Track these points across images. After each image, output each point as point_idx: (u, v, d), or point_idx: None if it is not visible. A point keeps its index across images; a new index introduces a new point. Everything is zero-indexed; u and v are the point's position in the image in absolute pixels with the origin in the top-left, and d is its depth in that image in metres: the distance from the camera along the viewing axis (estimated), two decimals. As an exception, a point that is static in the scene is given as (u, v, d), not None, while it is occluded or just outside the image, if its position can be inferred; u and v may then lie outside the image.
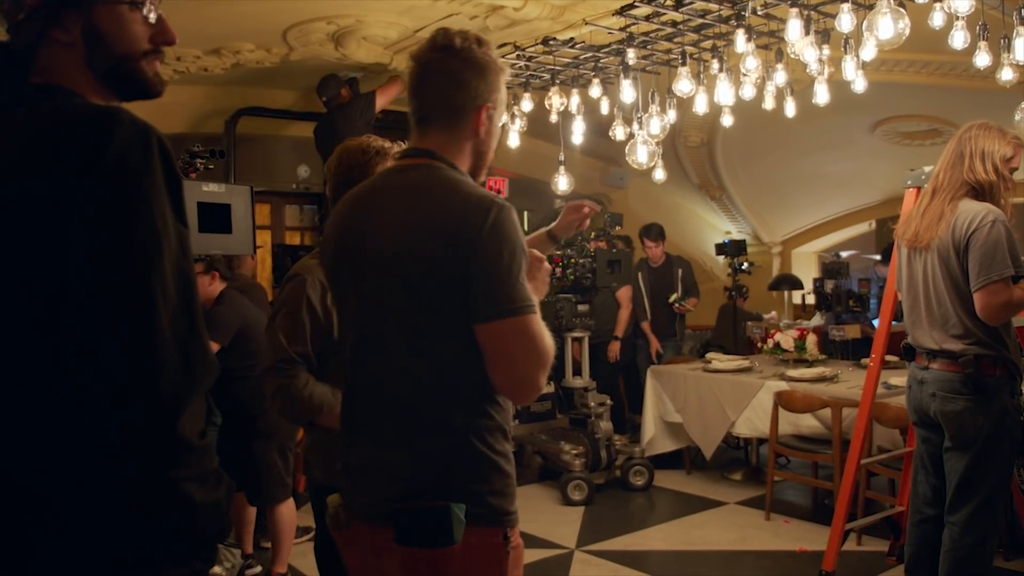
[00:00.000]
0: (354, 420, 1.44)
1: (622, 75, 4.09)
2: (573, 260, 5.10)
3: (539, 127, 5.07)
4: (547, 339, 1.35)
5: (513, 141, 4.92)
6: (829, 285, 6.31)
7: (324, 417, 1.92)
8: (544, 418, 5.39)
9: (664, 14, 3.79)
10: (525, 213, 6.71)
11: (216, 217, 3.23)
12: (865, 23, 2.83)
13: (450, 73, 1.43)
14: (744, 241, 6.78)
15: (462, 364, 1.34)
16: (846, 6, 3.09)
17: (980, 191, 2.57)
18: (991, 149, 2.57)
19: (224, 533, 1.04)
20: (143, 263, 0.94)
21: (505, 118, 4.82)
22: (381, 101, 5.32)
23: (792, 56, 3.61)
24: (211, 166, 4.15)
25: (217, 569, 3.43)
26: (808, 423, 4.28)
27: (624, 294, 5.98)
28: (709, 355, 5.32)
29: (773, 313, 8.15)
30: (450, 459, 1.33)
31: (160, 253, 0.95)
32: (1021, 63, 3.05)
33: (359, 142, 2.04)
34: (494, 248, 1.32)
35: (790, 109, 4.27)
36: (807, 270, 8.75)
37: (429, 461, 1.33)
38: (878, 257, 7.83)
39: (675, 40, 4.10)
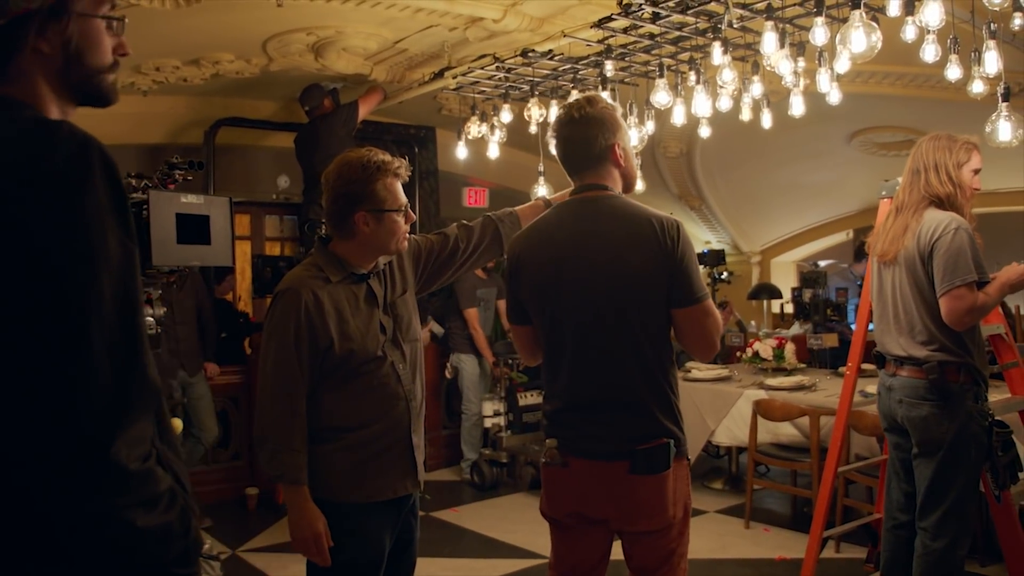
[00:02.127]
0: (578, 394, 1.94)
1: (600, 87, 4.12)
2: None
3: (518, 138, 5.09)
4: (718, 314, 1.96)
5: (493, 152, 4.94)
6: (807, 294, 6.37)
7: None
8: (536, 429, 5.41)
9: (642, 27, 3.82)
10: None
11: (195, 229, 3.19)
12: (839, 36, 2.87)
13: (583, 139, 1.96)
14: (723, 251, 6.84)
15: (665, 343, 1.92)
16: (820, 20, 3.13)
17: (940, 203, 2.61)
18: (943, 160, 2.61)
19: (189, 553, 0.99)
20: (77, 279, 0.90)
21: (484, 130, 4.86)
22: (363, 111, 5.31)
23: (768, 68, 3.65)
24: (190, 177, 4.11)
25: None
26: (787, 431, 4.31)
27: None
28: (688, 364, 5.34)
29: (753, 323, 8.22)
30: (665, 413, 1.90)
31: (97, 269, 0.91)
32: (991, 76, 3.10)
33: (360, 156, 2.02)
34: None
35: (767, 120, 4.31)
36: (786, 279, 8.82)
37: (657, 416, 1.88)
38: (856, 267, 7.93)
39: (653, 52, 4.14)
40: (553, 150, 2.07)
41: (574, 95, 4.76)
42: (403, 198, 2.05)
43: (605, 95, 4.04)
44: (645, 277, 1.87)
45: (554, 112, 4.66)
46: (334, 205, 2.02)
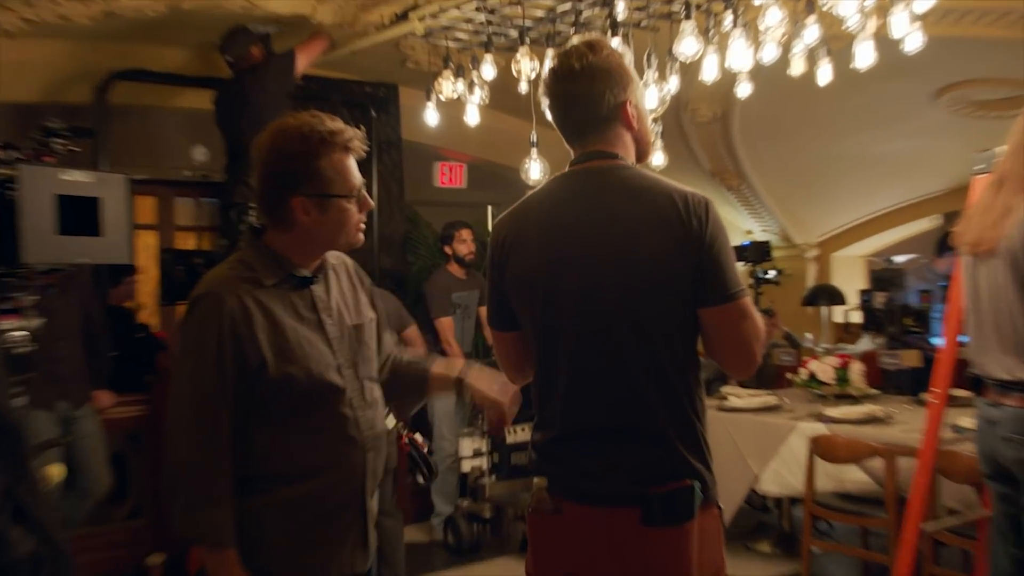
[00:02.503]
0: (576, 420, 1.95)
1: (609, 32, 4.11)
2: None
3: (505, 99, 5.06)
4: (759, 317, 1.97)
5: (472, 117, 4.92)
6: (880, 298, 6.39)
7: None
8: (527, 473, 5.36)
9: (665, -47, 3.82)
10: (488, 208, 6.71)
11: (81, 215, 3.15)
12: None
13: (586, 96, 1.99)
14: (769, 243, 6.85)
15: (690, 356, 1.96)
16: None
17: None
18: None
19: None
20: None
21: (461, 88, 4.84)
22: (302, 63, 5.29)
23: (825, 7, 3.65)
24: (75, 148, 4.08)
25: None
26: (854, 477, 4.32)
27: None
28: (724, 390, 5.34)
29: (809, 336, 8.23)
30: (690, 446, 1.90)
31: None
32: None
33: (300, 124, 2.02)
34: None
35: (825, 75, 4.32)
36: (852, 279, 8.86)
37: (678, 450, 1.88)
38: (944, 263, 7.94)
39: (678, -14, 4.14)
40: (547, 112, 2.08)
41: (574, 42, 4.75)
42: (356, 179, 2.07)
43: (615, 42, 4.04)
44: (665, 271, 1.89)
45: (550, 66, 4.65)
46: (266, 186, 2.04)
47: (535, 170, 4.69)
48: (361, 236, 2.13)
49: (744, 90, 4.51)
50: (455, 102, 4.95)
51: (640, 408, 1.89)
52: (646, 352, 1.89)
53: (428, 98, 4.95)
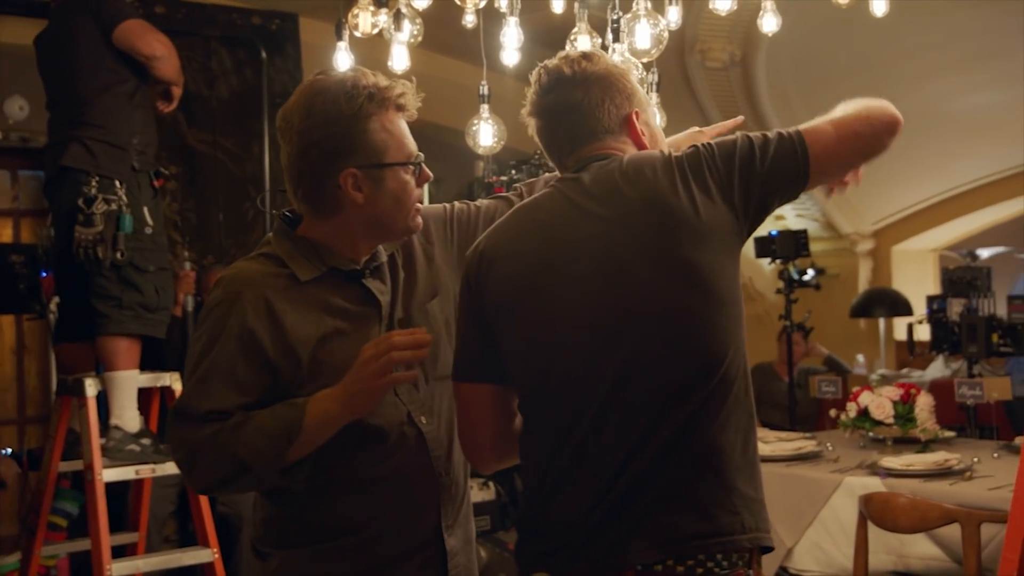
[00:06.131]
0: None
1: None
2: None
3: (445, 35, 5.06)
4: None
5: (399, 60, 4.90)
6: (956, 307, 6.42)
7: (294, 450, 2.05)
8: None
9: None
10: (425, 186, 6.68)
11: None
12: None
13: (582, 106, 2.15)
14: (806, 233, 6.86)
15: (740, 392, 2.05)
16: None
17: None
18: None
19: None
20: None
21: (383, 20, 4.83)
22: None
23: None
24: None
25: None
26: (921, 550, 4.34)
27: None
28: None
29: (861, 359, 8.27)
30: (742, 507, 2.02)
31: None
32: None
33: (339, 79, 2.19)
34: None
35: (881, 3, 4.36)
36: (919, 282, 8.95)
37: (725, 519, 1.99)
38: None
39: None
40: (533, 133, 2.23)
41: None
42: (413, 143, 2.23)
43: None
44: (665, 277, 2.00)
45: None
46: (305, 163, 2.17)
47: (486, 134, 4.67)
48: (420, 220, 2.27)
49: (771, 23, 4.53)
50: (376, 39, 4.93)
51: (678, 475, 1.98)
52: (666, 397, 1.98)
53: (339, 34, 4.93)
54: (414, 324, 2.22)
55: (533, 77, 2.22)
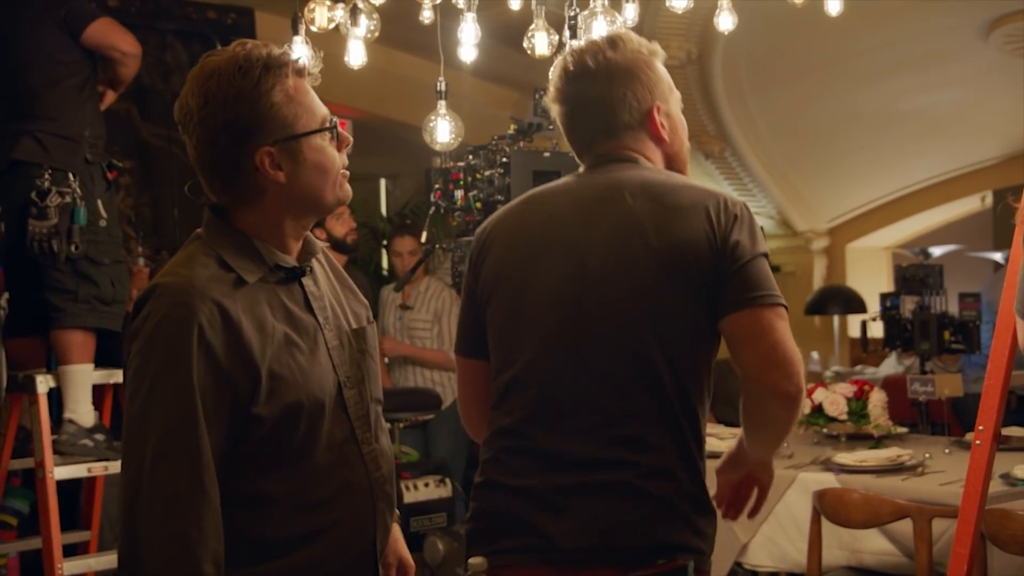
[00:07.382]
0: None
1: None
2: (478, 176, 5.03)
3: (402, 31, 5.05)
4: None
5: (355, 56, 4.89)
6: (909, 304, 6.46)
7: None
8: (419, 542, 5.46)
9: None
10: (382, 181, 6.68)
11: None
12: None
13: (600, 98, 2.23)
14: (761, 230, 6.87)
15: (700, 384, 2.27)
16: None
17: None
18: None
19: None
20: None
21: (340, 15, 4.81)
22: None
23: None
24: None
25: None
26: (874, 545, 4.37)
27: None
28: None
29: (816, 355, 8.33)
30: (693, 508, 2.24)
31: None
32: None
33: (228, 57, 2.04)
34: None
35: (836, 2, 4.39)
36: (873, 279, 9.00)
37: (682, 512, 2.19)
38: (998, 256, 8.00)
39: None
40: (556, 118, 2.32)
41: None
42: (323, 108, 2.13)
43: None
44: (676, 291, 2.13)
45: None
46: (214, 151, 2.05)
47: (443, 130, 4.66)
48: (348, 188, 2.15)
49: (727, 21, 4.55)
50: (332, 35, 4.91)
51: (634, 448, 2.08)
52: (650, 380, 2.08)
53: (295, 29, 4.90)
54: (363, 338, 2.20)
55: (559, 62, 2.31)
